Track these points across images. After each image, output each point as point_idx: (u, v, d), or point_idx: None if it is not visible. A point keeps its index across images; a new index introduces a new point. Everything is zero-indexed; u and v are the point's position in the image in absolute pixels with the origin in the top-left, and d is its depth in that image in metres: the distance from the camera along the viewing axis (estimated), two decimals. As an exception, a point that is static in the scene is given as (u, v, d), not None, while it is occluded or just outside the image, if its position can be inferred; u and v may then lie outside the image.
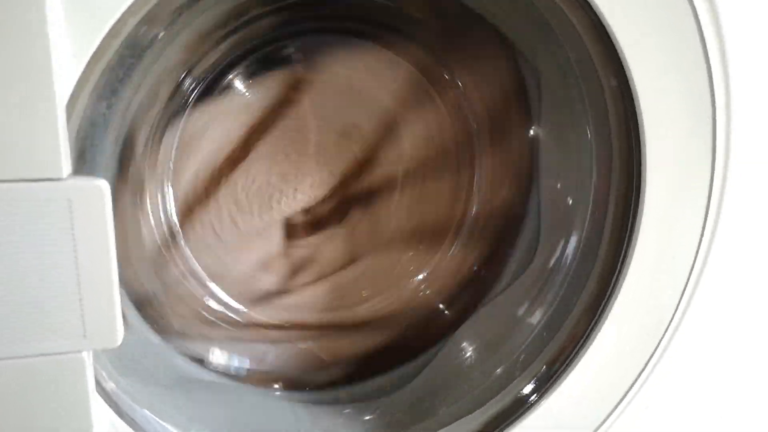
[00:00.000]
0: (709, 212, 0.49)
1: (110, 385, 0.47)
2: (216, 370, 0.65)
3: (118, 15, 0.38)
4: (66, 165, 0.37)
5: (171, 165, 0.64)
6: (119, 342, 0.41)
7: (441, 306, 0.72)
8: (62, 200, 0.37)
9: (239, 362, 0.68)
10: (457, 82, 0.69)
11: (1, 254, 0.37)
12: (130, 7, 0.38)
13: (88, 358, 0.41)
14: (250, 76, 0.66)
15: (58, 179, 0.37)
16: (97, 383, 0.45)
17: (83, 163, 0.43)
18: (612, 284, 0.50)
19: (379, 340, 0.71)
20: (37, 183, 0.37)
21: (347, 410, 0.62)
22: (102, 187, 0.38)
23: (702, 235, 0.49)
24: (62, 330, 0.39)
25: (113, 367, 0.48)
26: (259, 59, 0.66)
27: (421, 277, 0.73)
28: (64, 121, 0.37)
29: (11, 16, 0.34)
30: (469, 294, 0.69)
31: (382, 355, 0.70)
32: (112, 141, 0.52)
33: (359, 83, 0.68)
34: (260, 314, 0.70)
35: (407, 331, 0.71)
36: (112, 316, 0.40)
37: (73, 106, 0.39)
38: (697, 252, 0.49)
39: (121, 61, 0.43)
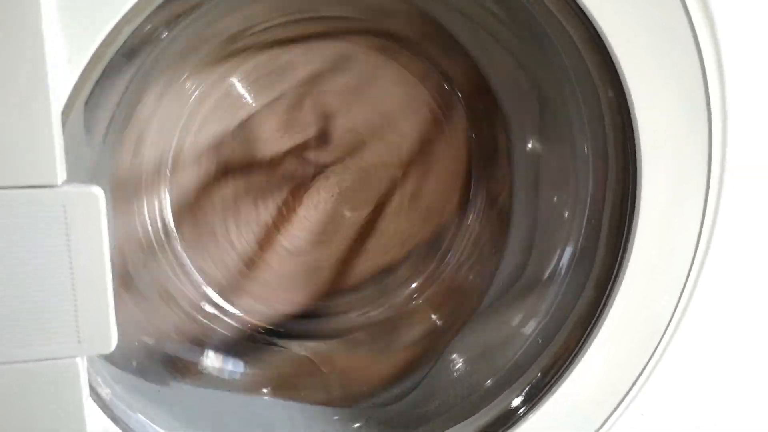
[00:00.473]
0: (705, 220, 0.49)
1: (105, 391, 0.47)
2: (210, 374, 0.65)
3: (113, 23, 0.38)
4: (61, 172, 0.37)
5: (168, 171, 0.64)
6: (113, 347, 0.41)
7: (433, 316, 0.72)
8: (57, 207, 0.37)
9: (233, 366, 0.68)
10: (457, 93, 0.69)
11: (-5, 260, 0.37)
12: (125, 15, 0.38)
13: (82, 363, 0.41)
14: (250, 81, 0.66)
15: (53, 186, 0.37)
16: (92, 388, 0.45)
17: (79, 169, 0.43)
18: (607, 295, 0.50)
19: (372, 348, 0.71)
20: (32, 189, 0.37)
21: (337, 417, 0.62)
22: (97, 193, 0.38)
23: (698, 243, 0.49)
24: (57, 335, 0.39)
25: (107, 372, 0.48)
26: (259, 65, 0.66)
27: (414, 286, 0.74)
28: (59, 128, 0.37)
29: (6, 23, 0.34)
30: (463, 304, 0.69)
31: (376, 363, 0.70)
32: (109, 147, 0.52)
33: (360, 91, 0.68)
34: (255, 318, 0.70)
35: (400, 340, 0.71)
36: (106, 322, 0.40)
37: (68, 112, 0.39)
38: (692, 261, 0.49)
39: (117, 68, 0.43)
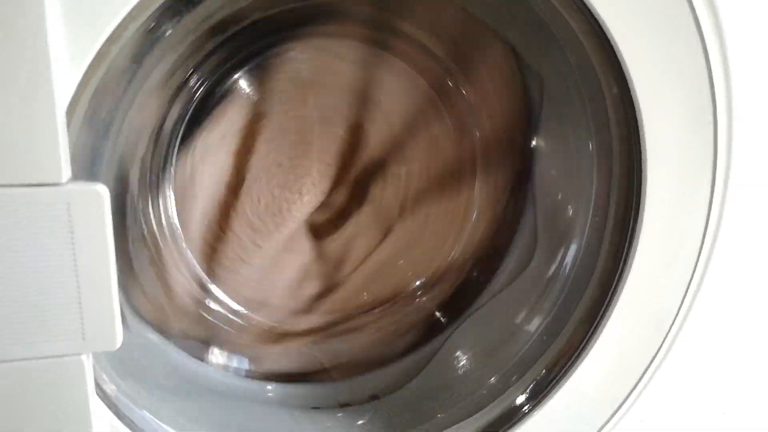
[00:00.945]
0: (711, 217, 0.49)
1: (110, 387, 0.47)
2: (215, 371, 0.65)
3: (117, 21, 0.38)
4: (66, 170, 0.37)
5: (172, 170, 0.65)
6: (118, 345, 0.41)
7: (437, 313, 0.72)
8: (62, 205, 0.37)
9: (238, 363, 0.68)
10: (461, 91, 0.69)
11: (1, 258, 0.37)
12: (129, 13, 0.38)
13: (87, 360, 0.41)
14: (252, 79, 0.66)
15: (58, 184, 0.37)
16: (98, 385, 0.45)
17: (83, 167, 0.43)
18: (612, 291, 0.50)
19: (376, 345, 0.71)
20: (37, 188, 0.37)
21: (340, 413, 0.62)
22: (101, 191, 0.38)
23: (703, 239, 0.49)
24: (62, 333, 0.40)
25: (113, 369, 0.48)
26: (262, 62, 0.66)
27: (418, 283, 0.74)
28: (64, 127, 0.37)
29: (10, 22, 0.34)
30: (466, 301, 0.69)
31: (378, 360, 0.70)
32: (113, 144, 0.52)
33: (363, 87, 0.68)
34: (259, 316, 0.71)
35: (404, 336, 0.71)
36: (111, 319, 0.41)
37: (73, 110, 0.39)
38: (698, 257, 0.49)
39: (121, 66, 0.43)
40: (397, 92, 0.68)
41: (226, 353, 0.68)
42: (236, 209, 0.67)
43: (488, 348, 0.62)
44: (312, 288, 0.72)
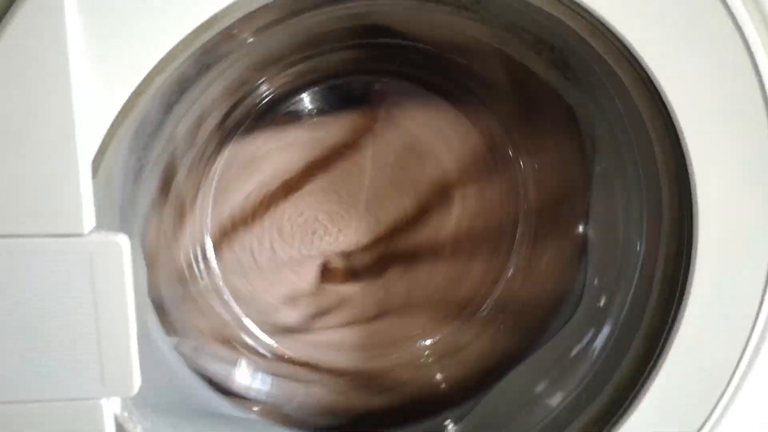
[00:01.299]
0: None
1: (135, 428, 0.48)
2: (237, 399, 0.65)
3: (144, 74, 0.38)
4: (88, 221, 0.38)
5: (209, 217, 0.66)
6: (135, 391, 0.42)
7: (438, 376, 0.69)
8: (83, 255, 0.38)
9: (261, 384, 0.68)
10: (519, 162, 0.67)
11: (24, 305, 0.39)
12: (156, 66, 0.39)
13: (106, 404, 0.42)
14: (315, 109, 0.66)
15: (81, 235, 0.38)
16: (120, 425, 0.46)
17: (113, 212, 0.44)
18: (645, 378, 0.45)
19: (389, 399, 0.69)
20: (59, 239, 0.38)
21: None
22: (120, 242, 0.39)
23: (753, 327, 0.44)
24: (81, 377, 0.41)
25: (135, 406, 0.48)
26: (317, 96, 0.66)
27: (428, 342, 0.71)
28: (87, 179, 0.38)
29: (34, 71, 0.35)
30: (474, 374, 0.66)
31: (392, 415, 0.68)
32: (146, 191, 0.53)
33: (424, 140, 0.68)
34: (289, 350, 0.70)
35: (403, 393, 0.69)
36: (129, 366, 0.41)
37: (100, 160, 0.39)
38: (746, 345, 0.44)
39: (149, 117, 0.43)
40: (457, 154, 0.67)
41: (248, 382, 0.67)
42: (276, 208, 0.68)
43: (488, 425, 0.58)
44: (290, 318, 0.71)
